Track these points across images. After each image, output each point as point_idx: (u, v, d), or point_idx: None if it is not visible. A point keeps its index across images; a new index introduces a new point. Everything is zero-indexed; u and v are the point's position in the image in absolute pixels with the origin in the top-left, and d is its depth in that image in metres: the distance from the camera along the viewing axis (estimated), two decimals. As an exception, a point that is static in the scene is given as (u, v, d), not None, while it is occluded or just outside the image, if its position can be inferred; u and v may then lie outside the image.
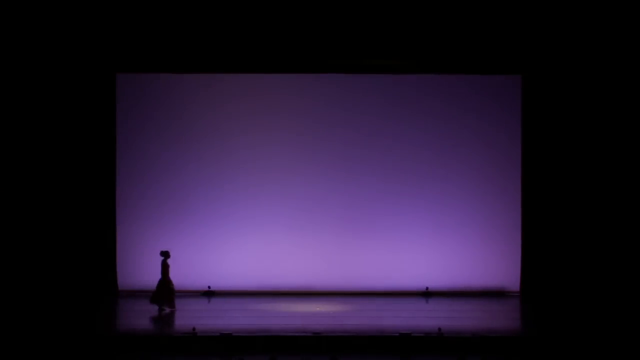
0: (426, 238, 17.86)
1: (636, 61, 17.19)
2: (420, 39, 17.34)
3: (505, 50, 17.47)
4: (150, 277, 17.73)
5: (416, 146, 17.91)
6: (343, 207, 17.89)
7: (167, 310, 15.85)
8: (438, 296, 17.55)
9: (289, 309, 16.02)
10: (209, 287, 17.78)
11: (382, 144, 17.92)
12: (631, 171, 17.41)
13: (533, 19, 17.13)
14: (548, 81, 17.64)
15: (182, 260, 17.75)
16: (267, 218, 17.83)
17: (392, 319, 15.01)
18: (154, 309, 15.95)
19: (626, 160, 17.45)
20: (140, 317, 15.38)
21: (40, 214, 17.53)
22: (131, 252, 17.83)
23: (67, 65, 17.45)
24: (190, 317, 14.90)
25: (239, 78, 17.96)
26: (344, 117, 17.92)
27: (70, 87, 17.55)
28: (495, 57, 17.58)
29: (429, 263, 17.83)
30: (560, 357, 12.91)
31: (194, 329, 13.47)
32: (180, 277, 17.72)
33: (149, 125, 17.88)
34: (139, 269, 17.81)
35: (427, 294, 17.68)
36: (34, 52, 17.28)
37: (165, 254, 16.09)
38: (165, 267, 16.02)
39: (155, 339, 13.32)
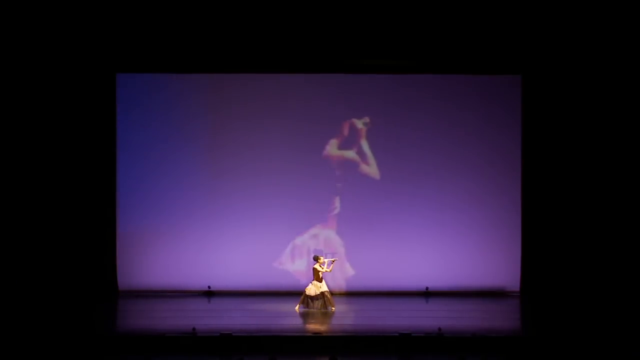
0: (426, 238, 17.88)
1: (636, 61, 17.20)
2: (420, 39, 17.34)
3: (505, 50, 17.48)
4: (150, 277, 17.80)
5: (416, 146, 17.92)
6: (343, 207, 17.90)
7: (330, 309, 15.83)
8: (438, 296, 17.56)
9: (288, 309, 16.02)
10: (209, 287, 17.79)
11: (382, 143, 17.93)
12: (631, 171, 17.42)
13: (533, 19, 17.13)
14: (548, 81, 17.65)
15: (182, 260, 17.80)
16: (267, 218, 17.83)
17: (392, 319, 15.01)
18: (154, 309, 15.98)
19: (626, 161, 17.46)
20: (140, 317, 15.38)
21: (40, 214, 17.55)
22: (131, 252, 17.84)
23: (68, 65, 17.48)
24: (190, 317, 14.89)
25: (239, 78, 17.97)
26: (344, 117, 17.93)
27: (71, 87, 17.58)
28: (495, 57, 17.59)
29: (429, 263, 17.84)
30: (560, 357, 12.91)
31: (194, 329, 13.47)
32: (180, 277, 17.79)
33: (149, 125, 17.89)
34: (138, 269, 17.83)
35: (427, 294, 17.69)
36: (35, 53, 17.30)
37: (316, 258, 16.09)
38: (316, 271, 15.98)
39: (155, 339, 13.31)
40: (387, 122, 17.91)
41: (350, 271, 17.90)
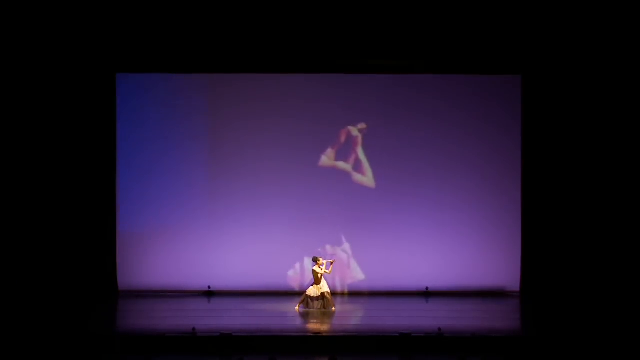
0: (426, 238, 17.87)
1: (636, 61, 17.19)
2: (421, 39, 17.34)
3: (505, 50, 17.47)
4: (150, 277, 17.79)
5: (416, 146, 17.92)
6: (343, 207, 17.89)
7: (331, 309, 15.82)
8: (438, 296, 17.56)
9: (288, 309, 16.02)
10: (209, 287, 17.79)
11: (382, 143, 17.92)
12: (630, 171, 17.41)
13: (533, 19, 17.13)
14: (548, 81, 17.65)
15: (182, 260, 17.79)
16: (267, 218, 17.83)
17: (392, 319, 15.00)
18: (154, 309, 15.99)
19: (626, 161, 17.45)
20: (140, 317, 15.37)
21: (40, 214, 17.55)
22: (131, 252, 17.83)
23: (68, 65, 17.48)
24: (190, 317, 14.89)
25: (239, 78, 17.97)
26: (344, 117, 17.93)
27: (71, 87, 17.58)
28: (495, 57, 17.59)
29: (429, 263, 17.83)
30: (560, 357, 12.91)
31: (194, 329, 13.46)
32: (180, 277, 17.79)
33: (149, 125, 17.89)
34: (138, 269, 17.83)
35: (427, 294, 17.69)
36: (35, 53, 17.29)
37: (315, 260, 16.07)
38: (315, 272, 15.96)
39: (155, 339, 13.31)
40: (386, 122, 17.90)
41: (360, 275, 17.91)
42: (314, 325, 14.56)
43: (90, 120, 17.69)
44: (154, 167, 17.89)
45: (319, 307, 15.81)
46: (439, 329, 13.52)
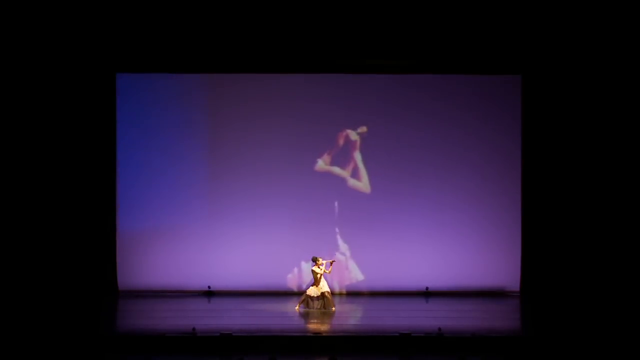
0: (426, 238, 17.87)
1: (635, 61, 17.19)
2: (420, 39, 17.34)
3: (505, 50, 17.47)
4: (150, 277, 17.80)
5: (416, 146, 17.92)
6: (343, 207, 17.90)
7: (330, 309, 15.82)
8: (438, 296, 17.56)
9: (288, 309, 16.02)
10: (209, 287, 17.79)
11: (382, 143, 17.92)
12: (631, 171, 17.41)
13: (533, 19, 17.12)
14: (548, 81, 17.65)
15: (182, 260, 17.79)
16: (267, 218, 17.83)
17: (392, 319, 15.00)
18: (154, 309, 15.99)
19: (625, 161, 17.45)
20: (140, 317, 15.37)
21: (40, 214, 17.54)
22: (131, 252, 17.83)
23: (68, 65, 17.47)
24: (190, 317, 14.89)
25: (239, 78, 17.96)
26: (344, 117, 17.93)
27: (71, 87, 17.57)
28: (495, 57, 17.59)
29: (429, 263, 17.83)
30: (560, 357, 12.91)
31: (194, 329, 13.47)
32: (180, 277, 17.79)
33: (149, 125, 17.89)
34: (138, 269, 17.83)
35: (427, 294, 17.69)
36: (35, 53, 17.28)
37: (314, 260, 16.06)
38: (315, 273, 15.96)
39: (155, 339, 13.31)
40: (386, 122, 17.90)
41: (359, 276, 17.91)
42: (314, 325, 14.57)
43: (90, 119, 17.68)
44: (154, 167, 17.89)
45: (319, 307, 15.82)
46: (439, 329, 13.52)
